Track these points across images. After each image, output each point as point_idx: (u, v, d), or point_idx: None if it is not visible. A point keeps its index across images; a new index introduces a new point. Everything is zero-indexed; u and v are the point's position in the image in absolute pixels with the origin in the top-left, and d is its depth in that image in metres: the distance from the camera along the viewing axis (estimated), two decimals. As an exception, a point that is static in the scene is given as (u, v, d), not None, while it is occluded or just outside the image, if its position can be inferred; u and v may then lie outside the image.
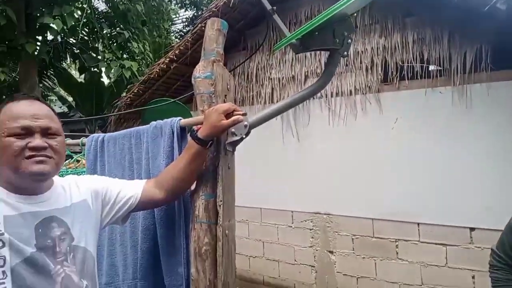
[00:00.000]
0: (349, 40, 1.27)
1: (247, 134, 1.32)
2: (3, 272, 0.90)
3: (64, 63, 9.91)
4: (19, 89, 7.73)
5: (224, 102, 1.33)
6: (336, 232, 4.14)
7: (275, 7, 1.25)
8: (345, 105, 4.09)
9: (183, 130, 1.42)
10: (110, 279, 1.56)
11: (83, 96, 10.91)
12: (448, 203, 3.46)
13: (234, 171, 1.38)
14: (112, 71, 7.09)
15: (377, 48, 3.90)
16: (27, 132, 0.99)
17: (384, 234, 3.84)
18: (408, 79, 3.76)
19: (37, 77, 7.72)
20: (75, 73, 11.82)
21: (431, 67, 3.76)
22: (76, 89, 11.07)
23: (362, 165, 3.94)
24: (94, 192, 1.19)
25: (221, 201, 1.30)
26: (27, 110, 1.00)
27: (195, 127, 1.28)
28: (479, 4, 2.95)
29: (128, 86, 8.65)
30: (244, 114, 1.26)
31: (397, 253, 3.77)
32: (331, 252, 4.18)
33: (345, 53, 1.30)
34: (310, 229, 4.32)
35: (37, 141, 0.98)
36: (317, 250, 4.27)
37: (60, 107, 12.87)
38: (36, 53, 6.71)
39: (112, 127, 5.75)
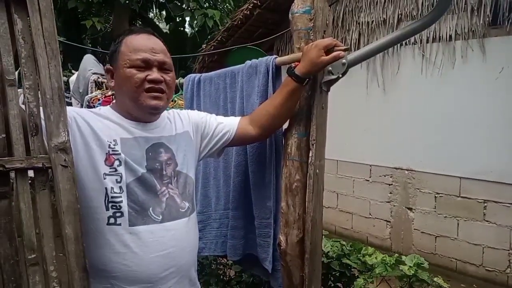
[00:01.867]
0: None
1: (344, 73, 1.26)
2: (120, 187, 1.03)
3: (151, 13, 10.35)
4: (112, 39, 8.34)
5: (323, 37, 1.28)
6: (418, 189, 3.96)
7: None
8: (442, 52, 3.71)
9: (278, 69, 1.42)
10: (204, 208, 1.70)
11: (168, 45, 11.40)
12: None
13: (327, 112, 1.36)
14: (196, 20, 7.23)
15: (488, -17, 3.38)
16: (146, 65, 1.06)
17: (471, 194, 3.58)
18: (523, 21, 3.25)
19: (127, 26, 8.22)
20: (159, 23, 12.31)
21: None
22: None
23: (454, 119, 3.62)
24: (195, 125, 1.27)
25: (314, 140, 1.30)
26: (146, 44, 1.07)
27: (293, 64, 1.26)
28: None
29: (210, 35, 8.80)
30: (346, 50, 1.20)
31: (484, 214, 3.51)
32: (410, 209, 4.04)
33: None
34: (389, 184, 4.19)
35: (155, 74, 1.06)
36: (394, 206, 4.16)
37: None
38: (127, 2, 7.08)
39: (196, 71, 5.98)
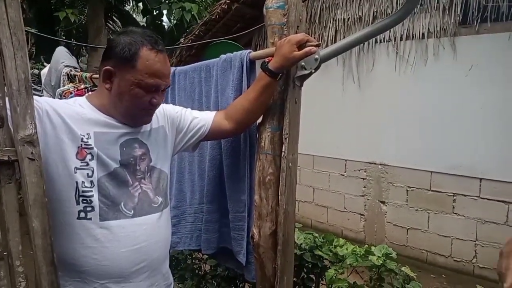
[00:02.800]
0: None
1: (316, 68, 1.28)
2: (91, 182, 1.02)
3: (127, 6, 10.12)
4: (87, 32, 8.12)
5: (296, 33, 1.30)
6: (391, 183, 4.08)
7: None
8: (415, 50, 3.82)
9: (252, 63, 1.43)
10: (178, 203, 1.70)
11: (145, 38, 11.18)
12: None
13: (300, 106, 1.38)
14: (173, 13, 7.13)
15: (459, -16, 3.50)
16: (156, 89, 1.08)
17: (442, 188, 3.72)
18: (490, 21, 3.38)
19: (103, 19, 8.00)
20: (136, 15, 12.06)
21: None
22: (138, 32, 11.33)
23: (426, 115, 3.74)
24: (170, 119, 1.27)
25: (286, 134, 1.32)
26: (163, 71, 1.07)
27: (266, 59, 1.27)
28: None
29: (187, 30, 8.70)
30: (318, 45, 1.22)
31: (453, 207, 3.66)
32: (383, 202, 4.16)
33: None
34: (363, 179, 4.30)
35: (159, 99, 1.10)
36: (368, 199, 4.27)
37: (123, 49, 13.34)
38: (102, -6, 6.92)
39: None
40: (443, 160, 3.66)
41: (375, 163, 4.18)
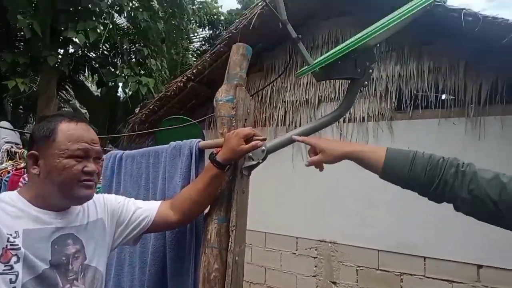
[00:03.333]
0: (371, 70, 1.28)
1: (263, 159, 1.32)
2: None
3: (82, 76, 10.14)
4: (37, 100, 7.90)
5: (244, 126, 1.34)
6: (341, 262, 4.05)
7: (300, 36, 1.26)
8: (357, 132, 4.09)
9: (201, 152, 1.44)
10: (115, 299, 1.54)
11: (98, 109, 11.08)
12: (456, 238, 3.38)
13: (248, 196, 1.38)
14: (129, 86, 7.22)
15: (392, 75, 3.92)
16: (85, 155, 1.03)
17: (389, 267, 3.75)
18: (421, 108, 3.76)
19: (55, 89, 7.89)
20: (91, 85, 12.06)
21: (444, 96, 3.76)
22: (91, 102, 11.25)
23: (371, 194, 3.89)
24: (111, 211, 1.21)
25: (233, 226, 1.29)
26: (87, 135, 1.05)
27: (214, 150, 1.29)
28: (497, 36, 2.96)
29: (143, 101, 8.79)
30: (264, 140, 1.27)
31: (401, 287, 3.66)
32: (334, 283, 4.08)
33: (366, 82, 1.30)
34: (314, 258, 4.24)
35: (92, 166, 1.04)
36: (320, 280, 4.18)
37: (75, 118, 13.02)
38: (56, 65, 6.89)
39: (125, 142, 5.81)
40: (389, 239, 3.74)
41: (325, 241, 4.17)
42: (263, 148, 1.29)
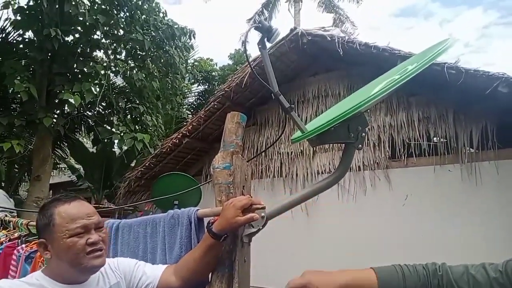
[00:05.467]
0: (363, 134, 1.30)
1: (264, 225, 1.31)
2: None
3: (78, 135, 10.23)
4: (31, 160, 7.89)
5: (242, 192, 1.34)
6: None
7: (293, 105, 1.31)
8: (354, 181, 4.10)
9: (200, 220, 1.42)
10: None
11: (93, 165, 11.07)
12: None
13: (250, 264, 1.35)
14: (124, 143, 7.27)
15: (384, 126, 4.02)
16: (85, 230, 1.09)
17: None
18: (415, 156, 3.81)
19: (50, 148, 7.91)
20: (86, 141, 12.13)
21: (435, 139, 3.83)
22: (87, 159, 11.26)
23: (371, 243, 3.82)
24: (123, 274, 1.25)
25: (235, 297, 1.24)
26: (81, 211, 1.11)
27: (211, 219, 1.28)
28: (480, 88, 3.09)
29: (139, 157, 8.79)
30: (263, 208, 1.26)
31: None
32: None
33: (360, 145, 1.33)
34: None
35: (94, 236, 1.10)
36: None
37: (70, 176, 12.98)
38: (52, 126, 6.97)
39: (121, 199, 5.75)
40: None
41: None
42: (263, 214, 1.28)
